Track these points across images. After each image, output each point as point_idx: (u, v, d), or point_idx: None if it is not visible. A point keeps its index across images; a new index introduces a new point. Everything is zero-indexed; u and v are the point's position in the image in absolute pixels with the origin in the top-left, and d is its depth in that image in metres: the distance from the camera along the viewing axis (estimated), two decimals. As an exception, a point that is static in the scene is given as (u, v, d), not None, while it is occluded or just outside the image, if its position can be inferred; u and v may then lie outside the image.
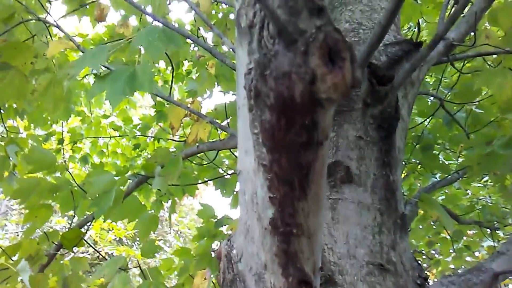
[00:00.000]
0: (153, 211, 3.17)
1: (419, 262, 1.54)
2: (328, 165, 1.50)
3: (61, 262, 2.60)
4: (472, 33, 1.97)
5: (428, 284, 1.51)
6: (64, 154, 4.28)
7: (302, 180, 0.73)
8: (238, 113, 0.81)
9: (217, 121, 2.85)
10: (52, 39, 2.47)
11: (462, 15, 2.07)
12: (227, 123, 2.24)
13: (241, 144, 0.79)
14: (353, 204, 1.44)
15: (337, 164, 1.50)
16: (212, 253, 2.96)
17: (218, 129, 3.39)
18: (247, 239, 0.77)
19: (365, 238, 1.41)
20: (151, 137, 4.05)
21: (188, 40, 3.24)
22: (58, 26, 2.04)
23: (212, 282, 2.08)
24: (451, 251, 4.48)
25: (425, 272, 1.50)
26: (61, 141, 4.08)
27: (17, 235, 7.58)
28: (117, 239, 7.20)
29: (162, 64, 3.78)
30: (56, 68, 2.57)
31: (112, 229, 6.25)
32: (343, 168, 1.49)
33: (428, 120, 3.36)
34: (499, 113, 2.08)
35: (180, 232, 8.73)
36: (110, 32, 3.56)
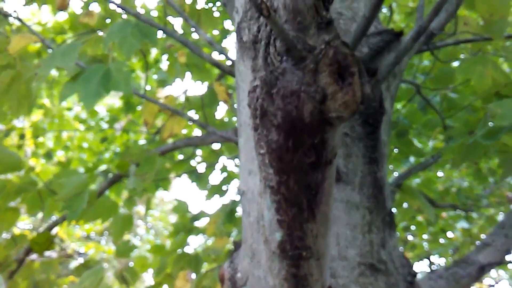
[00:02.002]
0: (124, 208, 3.07)
1: (408, 259, 1.52)
2: (315, 163, 1.46)
3: (31, 266, 2.50)
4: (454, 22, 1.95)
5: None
6: (26, 150, 4.09)
7: (311, 201, 0.68)
8: (239, 130, 0.75)
9: (190, 114, 2.77)
10: (12, 31, 2.32)
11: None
12: (204, 117, 2.17)
13: (244, 163, 0.73)
14: (342, 203, 1.41)
15: (324, 163, 1.46)
16: (188, 248, 2.91)
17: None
18: (253, 263, 0.72)
19: (355, 238, 1.38)
20: (119, 129, 3.91)
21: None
22: (20, 20, 1.91)
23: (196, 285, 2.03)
24: (426, 234, 4.56)
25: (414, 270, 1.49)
26: (22, 137, 3.89)
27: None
28: (85, 235, 7.01)
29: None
30: (17, 60, 2.42)
31: (79, 226, 6.05)
32: (331, 166, 1.45)
33: (402, 105, 3.37)
34: (481, 102, 2.07)
35: (151, 225, 8.58)
36: (71, 20, 3.38)
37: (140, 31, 1.53)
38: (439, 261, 5.63)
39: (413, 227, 4.41)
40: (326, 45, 0.59)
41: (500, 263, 1.64)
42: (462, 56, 2.77)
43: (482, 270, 1.61)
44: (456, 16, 1.92)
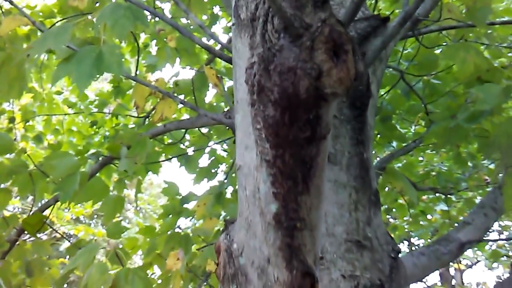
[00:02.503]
0: (115, 191, 3.10)
1: (392, 236, 1.59)
2: (304, 145, 1.51)
3: (24, 247, 2.53)
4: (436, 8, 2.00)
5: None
6: (16, 133, 4.08)
7: (305, 175, 0.72)
8: (236, 107, 0.79)
9: (181, 97, 2.80)
10: (2, 14, 2.31)
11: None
12: (195, 101, 2.20)
13: (240, 139, 0.77)
14: (330, 183, 1.46)
15: (313, 144, 1.51)
16: (178, 229, 2.95)
17: (181, 104, 3.33)
18: (249, 234, 0.76)
19: (342, 216, 1.43)
20: (109, 113, 3.92)
21: (145, 12, 3.12)
22: (11, 2, 1.91)
23: (186, 264, 2.07)
24: (407, 216, 4.67)
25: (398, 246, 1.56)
26: (12, 120, 3.88)
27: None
28: (74, 217, 7.03)
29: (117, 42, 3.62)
30: (7, 44, 2.42)
31: (69, 209, 6.08)
32: (319, 147, 1.50)
33: (386, 90, 3.43)
34: (463, 87, 2.14)
35: (140, 208, 8.64)
36: (60, 4, 3.37)
37: (132, 13, 1.54)
38: (419, 242, 5.77)
39: (394, 210, 4.52)
40: (322, 23, 0.62)
41: (480, 241, 1.71)
42: (445, 43, 2.83)
43: (462, 247, 1.69)
44: (440, 3, 1.97)
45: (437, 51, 3.02)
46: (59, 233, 2.48)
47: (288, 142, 0.69)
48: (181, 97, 2.80)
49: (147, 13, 2.78)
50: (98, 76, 1.47)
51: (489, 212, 1.79)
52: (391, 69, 3.37)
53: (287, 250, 0.74)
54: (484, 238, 1.77)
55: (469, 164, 4.16)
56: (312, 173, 0.72)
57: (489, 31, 2.31)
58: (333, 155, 1.50)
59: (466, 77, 1.95)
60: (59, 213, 5.61)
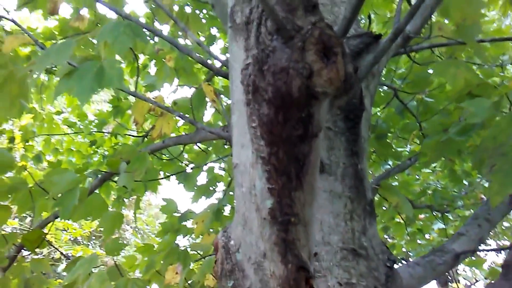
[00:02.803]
0: (113, 209, 3.12)
1: (387, 246, 1.61)
2: (299, 156, 1.55)
3: (23, 264, 2.53)
4: (427, 26, 2.06)
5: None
6: (15, 153, 4.11)
7: (298, 171, 0.76)
8: (232, 108, 0.83)
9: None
10: (4, 34, 2.37)
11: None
12: (193, 116, 2.24)
13: (236, 138, 0.81)
14: (326, 193, 1.49)
15: (309, 155, 1.54)
16: (179, 246, 2.95)
17: (177, 122, 3.38)
18: (246, 230, 0.79)
19: (338, 225, 1.46)
20: (108, 133, 3.96)
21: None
22: (13, 21, 1.97)
23: (185, 279, 2.09)
24: (404, 235, 4.68)
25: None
26: (12, 140, 3.91)
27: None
28: (72, 238, 7.01)
29: (117, 57, 3.68)
30: (8, 63, 2.47)
31: (68, 229, 6.07)
32: (314, 158, 1.54)
33: (381, 109, 3.49)
34: (454, 102, 2.19)
35: (138, 229, 8.60)
36: (61, 26, 3.45)
37: (132, 30, 1.60)
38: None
39: (392, 229, 4.53)
40: (313, 25, 0.66)
41: (474, 251, 1.74)
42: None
43: (457, 258, 1.71)
44: (430, 21, 2.03)
45: (430, 71, 3.09)
46: (59, 250, 2.49)
47: (282, 139, 0.73)
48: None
49: (146, 32, 2.85)
50: (99, 90, 1.52)
51: (483, 223, 1.81)
52: (385, 88, 3.44)
53: (282, 245, 0.76)
54: (479, 248, 1.79)
55: (465, 182, 4.20)
56: (305, 170, 0.75)
57: (481, 50, 2.38)
58: (328, 166, 1.53)
59: (457, 92, 2.00)
60: (57, 234, 5.60)
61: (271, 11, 0.66)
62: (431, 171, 5.14)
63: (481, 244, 1.78)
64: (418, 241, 4.96)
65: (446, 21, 2.31)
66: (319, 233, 1.43)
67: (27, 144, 4.25)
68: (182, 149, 2.90)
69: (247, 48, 0.73)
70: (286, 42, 0.69)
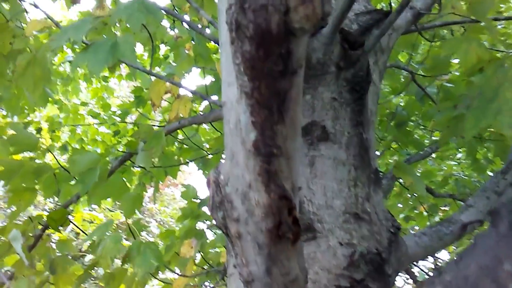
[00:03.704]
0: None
1: (392, 214, 1.64)
2: (305, 125, 1.59)
3: (48, 245, 2.64)
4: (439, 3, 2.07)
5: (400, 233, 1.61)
6: (42, 144, 4.27)
7: (280, 106, 0.80)
8: (220, 50, 0.88)
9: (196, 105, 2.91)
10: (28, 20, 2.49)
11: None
12: (206, 92, 2.30)
13: (224, 77, 0.86)
14: (330, 160, 1.53)
15: (314, 124, 1.58)
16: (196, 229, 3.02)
17: (197, 112, 3.46)
18: (233, 163, 0.84)
19: (341, 190, 1.49)
20: (131, 123, 4.08)
21: (164, 23, 3.29)
22: (36, 6, 2.07)
23: (201, 255, 2.15)
24: (427, 225, 4.64)
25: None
26: (39, 130, 4.07)
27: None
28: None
29: (139, 50, 3.82)
30: (33, 51, 2.59)
31: (94, 220, 6.23)
32: (319, 127, 1.58)
33: (401, 97, 3.48)
34: (465, 77, 2.19)
35: (163, 222, 8.77)
36: (83, 16, 3.57)
37: (146, 7, 1.68)
38: (441, 254, 5.66)
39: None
40: (290, -35, 0.71)
41: (482, 222, 1.74)
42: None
43: (465, 228, 1.71)
44: (442, -3, 2.04)
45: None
46: (84, 232, 2.59)
47: (264, 75, 0.77)
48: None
49: (166, 24, 2.93)
50: (112, 63, 1.60)
51: (491, 195, 1.81)
52: (405, 73, 3.43)
53: (265, 175, 0.81)
54: (486, 220, 1.79)
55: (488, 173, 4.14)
56: (286, 105, 0.80)
57: (493, 28, 2.36)
58: (333, 134, 1.57)
59: (469, 69, 2.00)
60: (84, 225, 5.76)
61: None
62: (456, 163, 5.09)
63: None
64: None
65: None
66: (322, 197, 1.47)
67: (53, 134, 4.42)
68: (196, 130, 2.96)
69: (230, -11, 0.77)
70: (264, -20, 0.73)
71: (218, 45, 2.03)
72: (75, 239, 5.77)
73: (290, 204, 0.83)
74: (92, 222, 5.90)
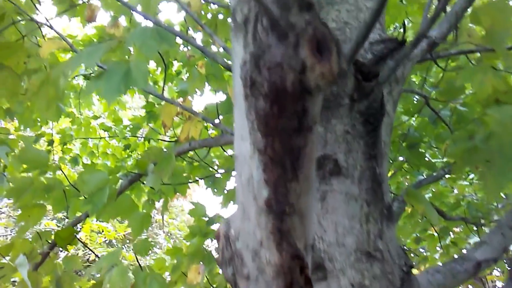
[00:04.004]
0: (144, 211, 3.20)
1: (405, 251, 1.60)
2: (317, 158, 1.57)
3: (55, 261, 2.63)
4: (455, 32, 2.04)
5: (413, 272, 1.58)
6: (54, 156, 4.29)
7: (293, 163, 0.78)
8: (234, 103, 0.86)
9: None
10: (44, 39, 2.50)
11: (444, 14, 2.15)
12: (219, 121, 2.29)
13: (237, 130, 0.84)
14: (341, 195, 1.50)
15: (326, 157, 1.56)
16: (205, 250, 3.00)
17: (208, 128, 3.45)
18: (244, 219, 0.82)
19: (353, 227, 1.47)
20: (142, 137, 4.08)
21: (178, 41, 3.29)
22: (51, 27, 2.08)
23: (206, 277, 2.12)
24: (438, 248, 4.57)
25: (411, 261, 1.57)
26: (51, 143, 4.09)
27: (6, 238, 7.55)
28: (107, 241, 7.22)
29: (152, 65, 3.82)
30: (48, 68, 2.60)
31: (102, 231, 6.25)
32: (332, 160, 1.55)
33: (414, 118, 3.45)
34: (481, 109, 2.16)
35: (171, 234, 8.77)
36: (99, 33, 3.60)
37: (160, 35, 1.67)
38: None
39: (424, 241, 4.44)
40: (307, 23, 0.70)
41: (496, 260, 1.70)
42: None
43: (479, 266, 1.68)
44: (458, 27, 2.01)
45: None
46: (93, 252, 2.58)
47: (277, 132, 0.76)
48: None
49: (179, 41, 2.93)
50: (125, 91, 1.59)
51: (507, 232, 1.77)
52: (417, 96, 3.40)
53: (277, 234, 0.79)
54: (501, 257, 1.75)
55: (502, 195, 4.08)
56: (300, 162, 0.78)
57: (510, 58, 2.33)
58: (345, 168, 1.55)
59: (484, 99, 1.97)
60: (92, 236, 5.78)
61: (266, 9, 0.69)
62: (468, 183, 5.02)
63: (505, 253, 1.74)
64: (454, 255, 4.84)
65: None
66: (334, 234, 1.44)
67: (65, 147, 4.44)
68: (207, 151, 2.95)
69: (245, 45, 0.76)
70: (280, 39, 0.72)
71: (231, 71, 2.03)
72: (83, 248, 5.76)
73: (302, 263, 0.80)
74: (100, 233, 5.92)
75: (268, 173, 0.78)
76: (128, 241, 7.37)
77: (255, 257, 0.82)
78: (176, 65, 3.87)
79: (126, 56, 3.17)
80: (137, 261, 1.97)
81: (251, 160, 0.80)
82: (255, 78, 0.73)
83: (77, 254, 6.27)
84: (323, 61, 0.71)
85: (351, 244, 1.43)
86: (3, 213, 8.30)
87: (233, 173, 3.43)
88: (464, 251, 5.22)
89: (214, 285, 2.63)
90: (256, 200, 0.80)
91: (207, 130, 3.66)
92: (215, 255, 2.74)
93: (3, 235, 7.83)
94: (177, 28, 3.71)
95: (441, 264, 1.73)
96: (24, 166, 2.50)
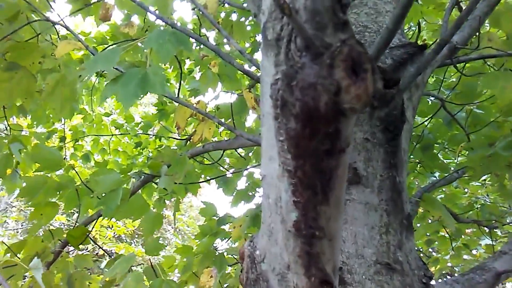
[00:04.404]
0: (155, 209, 3.20)
1: (424, 262, 1.58)
2: (336, 166, 1.54)
3: (67, 259, 2.64)
4: (475, 37, 2.00)
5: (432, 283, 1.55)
6: (65, 152, 4.29)
7: (324, 186, 0.76)
8: (262, 121, 0.84)
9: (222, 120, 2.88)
10: (58, 38, 2.49)
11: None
12: (233, 123, 2.27)
13: (265, 150, 0.82)
14: (361, 205, 1.48)
15: (345, 166, 1.53)
16: (215, 250, 2.99)
17: (219, 128, 3.43)
18: (271, 241, 0.80)
19: (372, 238, 1.44)
20: (153, 135, 4.08)
21: (191, 40, 3.26)
22: (66, 27, 2.06)
23: (219, 281, 2.11)
24: (449, 249, 4.54)
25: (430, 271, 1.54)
26: (63, 139, 4.09)
27: (17, 232, 7.62)
28: (116, 236, 7.25)
29: (162, 66, 3.80)
30: (62, 67, 2.59)
31: (112, 227, 6.27)
32: (351, 169, 1.53)
33: (428, 120, 3.40)
34: (501, 115, 2.12)
35: (179, 230, 8.79)
36: (112, 31, 3.58)
37: (177, 38, 1.64)
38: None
39: (436, 243, 4.40)
40: (342, 43, 0.67)
41: (517, 272, 1.67)
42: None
43: (498, 277, 1.65)
44: (479, 32, 1.97)
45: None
46: (102, 249, 2.58)
47: (309, 153, 0.73)
48: (222, 120, 2.88)
49: (192, 40, 2.91)
50: (142, 96, 1.57)
51: (528, 242, 1.75)
52: (433, 98, 3.35)
53: (306, 258, 0.77)
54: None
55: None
56: (331, 184, 0.76)
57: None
58: (365, 178, 1.52)
59: (506, 106, 1.93)
60: (102, 231, 5.79)
61: (300, 28, 0.67)
62: (480, 184, 4.96)
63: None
64: (464, 257, 4.80)
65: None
66: (353, 245, 1.42)
67: (76, 143, 4.44)
68: (222, 153, 2.93)
69: (277, 63, 0.74)
70: (314, 59, 0.69)
71: (244, 73, 2.00)
72: (93, 243, 5.78)
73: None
74: (110, 228, 5.94)
75: (297, 195, 0.75)
76: (136, 235, 7.39)
77: (282, 281, 0.80)
78: (188, 63, 3.86)
79: (139, 55, 3.15)
80: (152, 268, 1.96)
81: (279, 181, 0.78)
82: (287, 98, 0.70)
83: (87, 248, 6.31)
84: (358, 82, 0.68)
85: (371, 256, 1.41)
86: (14, 206, 8.36)
87: (245, 173, 3.42)
88: (475, 252, 5.19)
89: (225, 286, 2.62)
90: (284, 222, 0.78)
91: (217, 128, 3.64)
92: (226, 255, 2.74)
93: (14, 229, 7.89)
94: (190, 26, 3.69)
95: (458, 275, 1.70)
96: (37, 165, 2.49)
